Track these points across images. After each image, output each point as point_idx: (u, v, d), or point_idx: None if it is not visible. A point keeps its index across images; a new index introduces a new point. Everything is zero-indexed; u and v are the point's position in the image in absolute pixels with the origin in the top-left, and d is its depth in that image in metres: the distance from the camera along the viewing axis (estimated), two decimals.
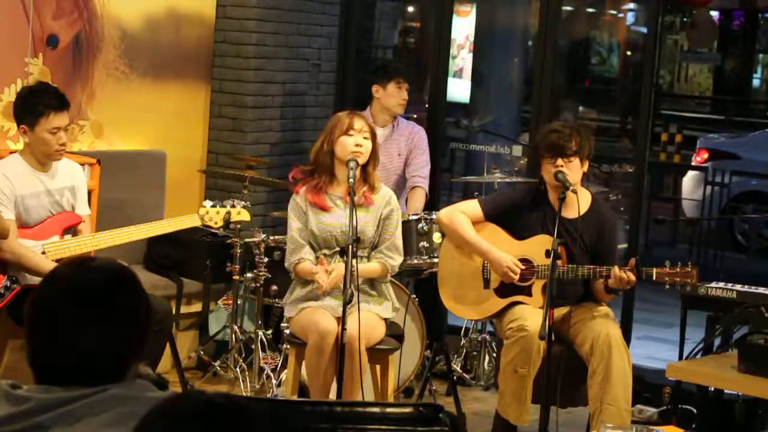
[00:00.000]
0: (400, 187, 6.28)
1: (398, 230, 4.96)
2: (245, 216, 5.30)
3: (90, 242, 5.01)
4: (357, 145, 4.83)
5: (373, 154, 4.91)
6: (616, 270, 4.80)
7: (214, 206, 5.23)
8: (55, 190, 5.01)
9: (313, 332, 4.70)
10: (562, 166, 4.89)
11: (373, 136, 4.92)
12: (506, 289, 5.07)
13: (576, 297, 4.98)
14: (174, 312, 5.89)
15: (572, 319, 4.92)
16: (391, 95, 6.28)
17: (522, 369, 4.81)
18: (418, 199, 6.23)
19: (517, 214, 5.11)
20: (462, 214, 5.16)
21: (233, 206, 5.26)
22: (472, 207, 5.20)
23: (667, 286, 4.88)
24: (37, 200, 4.94)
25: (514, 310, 4.97)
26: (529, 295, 5.01)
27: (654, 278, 4.87)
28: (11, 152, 5.17)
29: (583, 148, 4.95)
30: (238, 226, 5.62)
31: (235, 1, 6.80)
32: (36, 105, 4.87)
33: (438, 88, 7.09)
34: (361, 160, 4.86)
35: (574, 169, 4.92)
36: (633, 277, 4.80)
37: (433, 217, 5.65)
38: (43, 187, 4.97)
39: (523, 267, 5.01)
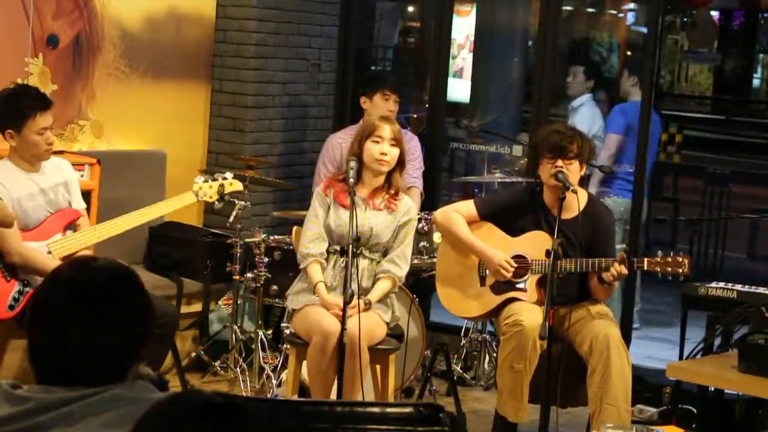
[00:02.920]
0: None
1: (409, 239, 4.99)
2: (238, 186, 5.35)
3: (93, 234, 5.00)
4: (382, 153, 4.89)
5: (400, 161, 4.96)
6: (615, 263, 4.82)
7: (206, 181, 5.26)
8: (49, 188, 5.00)
9: (317, 333, 4.71)
10: (561, 167, 4.90)
11: (401, 143, 4.97)
12: (501, 285, 5.09)
13: (571, 295, 4.98)
14: None
15: (571, 319, 4.92)
16: (377, 107, 6.27)
17: (518, 365, 4.83)
18: (415, 199, 6.25)
19: (513, 214, 5.14)
20: (457, 214, 5.19)
21: (225, 178, 5.29)
22: (467, 207, 5.23)
23: (660, 276, 4.90)
24: (33, 201, 4.93)
25: (510, 307, 5.00)
26: (524, 290, 5.04)
27: (645, 268, 4.89)
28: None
29: (583, 152, 4.97)
30: (235, 213, 5.59)
31: (235, 1, 6.80)
32: (21, 108, 4.83)
33: (438, 88, 7.09)
34: (385, 168, 4.92)
35: (573, 172, 4.93)
36: (624, 270, 4.81)
37: (431, 216, 5.67)
38: (37, 187, 4.95)
39: (516, 265, 5.04)
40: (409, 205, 5.05)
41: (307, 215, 5.04)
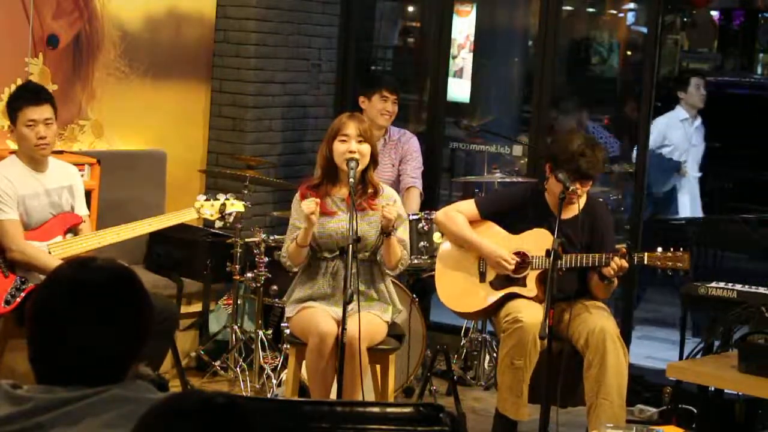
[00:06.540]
0: (395, 190, 6.30)
1: (402, 229, 4.91)
2: (239, 207, 5.36)
3: (93, 240, 5.03)
4: (350, 151, 4.77)
5: (372, 158, 4.86)
6: (615, 257, 4.83)
7: (208, 200, 5.29)
8: (53, 191, 5.02)
9: (314, 334, 4.69)
10: (578, 188, 4.89)
11: (371, 139, 4.89)
12: (501, 281, 5.11)
13: (571, 292, 4.99)
14: None
15: (569, 315, 4.94)
16: (375, 107, 6.26)
17: (518, 361, 4.85)
18: (414, 199, 6.27)
19: (514, 213, 5.16)
20: (458, 212, 5.22)
21: (227, 199, 5.31)
22: (468, 206, 5.26)
23: (660, 271, 4.92)
24: (37, 201, 4.95)
25: (510, 305, 5.02)
26: (524, 285, 5.05)
27: (645, 262, 4.91)
28: (11, 152, 5.18)
29: (600, 172, 5.04)
30: (233, 218, 5.60)
31: (235, 1, 6.80)
32: (14, 101, 4.94)
33: (438, 88, 7.09)
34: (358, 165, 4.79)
35: (586, 189, 4.99)
36: (625, 264, 4.82)
37: (433, 216, 5.67)
38: (42, 187, 4.98)
39: (518, 259, 5.04)
40: (393, 198, 4.91)
41: (289, 223, 4.96)
